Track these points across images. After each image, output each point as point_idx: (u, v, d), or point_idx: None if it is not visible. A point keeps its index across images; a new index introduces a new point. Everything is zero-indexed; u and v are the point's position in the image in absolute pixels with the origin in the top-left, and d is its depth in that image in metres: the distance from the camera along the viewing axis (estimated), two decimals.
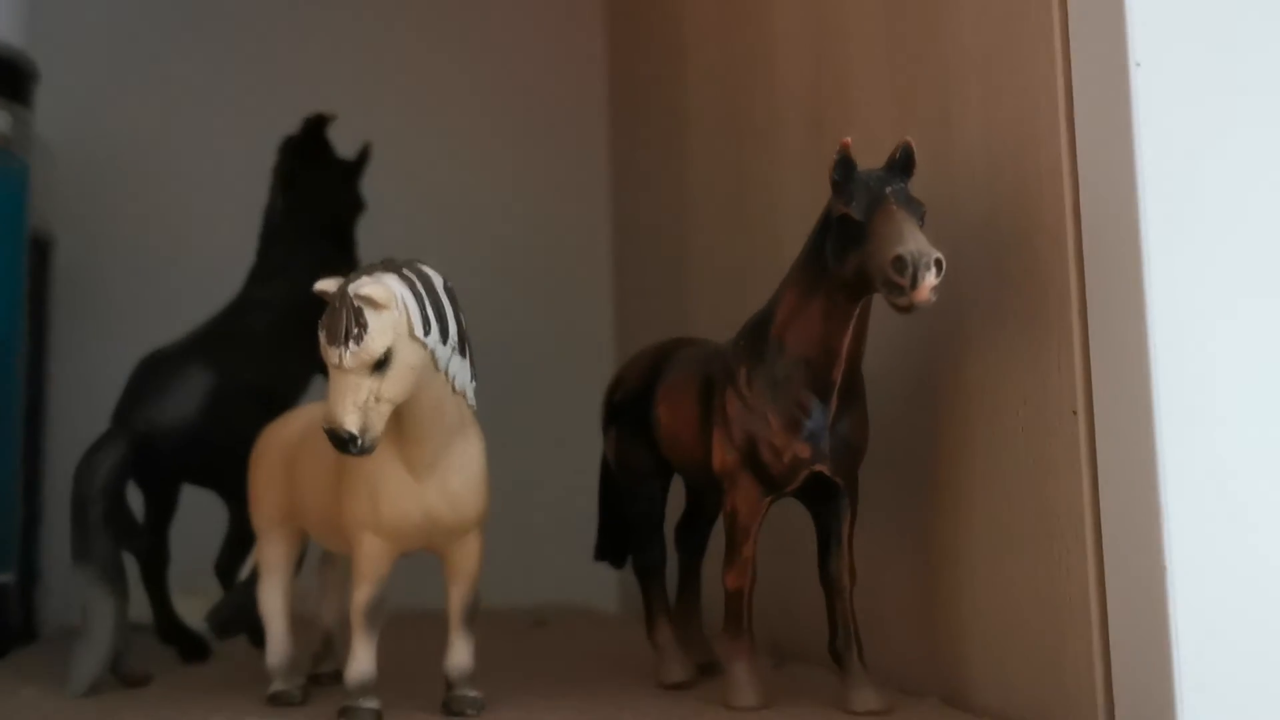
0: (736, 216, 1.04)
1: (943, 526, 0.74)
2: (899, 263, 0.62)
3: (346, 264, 1.00)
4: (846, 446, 0.70)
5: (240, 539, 0.90)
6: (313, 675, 0.82)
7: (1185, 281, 0.59)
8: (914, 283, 0.61)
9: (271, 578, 0.78)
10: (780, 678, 0.81)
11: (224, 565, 0.94)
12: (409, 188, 1.33)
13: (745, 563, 0.71)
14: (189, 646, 0.94)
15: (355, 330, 0.64)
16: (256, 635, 0.89)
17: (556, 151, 1.43)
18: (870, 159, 0.67)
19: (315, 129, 1.03)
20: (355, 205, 1.04)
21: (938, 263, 0.62)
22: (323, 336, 0.65)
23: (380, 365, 0.64)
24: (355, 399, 0.64)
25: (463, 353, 0.70)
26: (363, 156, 1.05)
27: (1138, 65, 0.59)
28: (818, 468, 0.69)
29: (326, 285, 0.67)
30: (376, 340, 0.64)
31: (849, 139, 0.67)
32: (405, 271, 0.68)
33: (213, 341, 0.94)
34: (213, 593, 0.93)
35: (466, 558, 0.72)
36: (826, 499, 0.71)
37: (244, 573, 0.84)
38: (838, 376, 0.68)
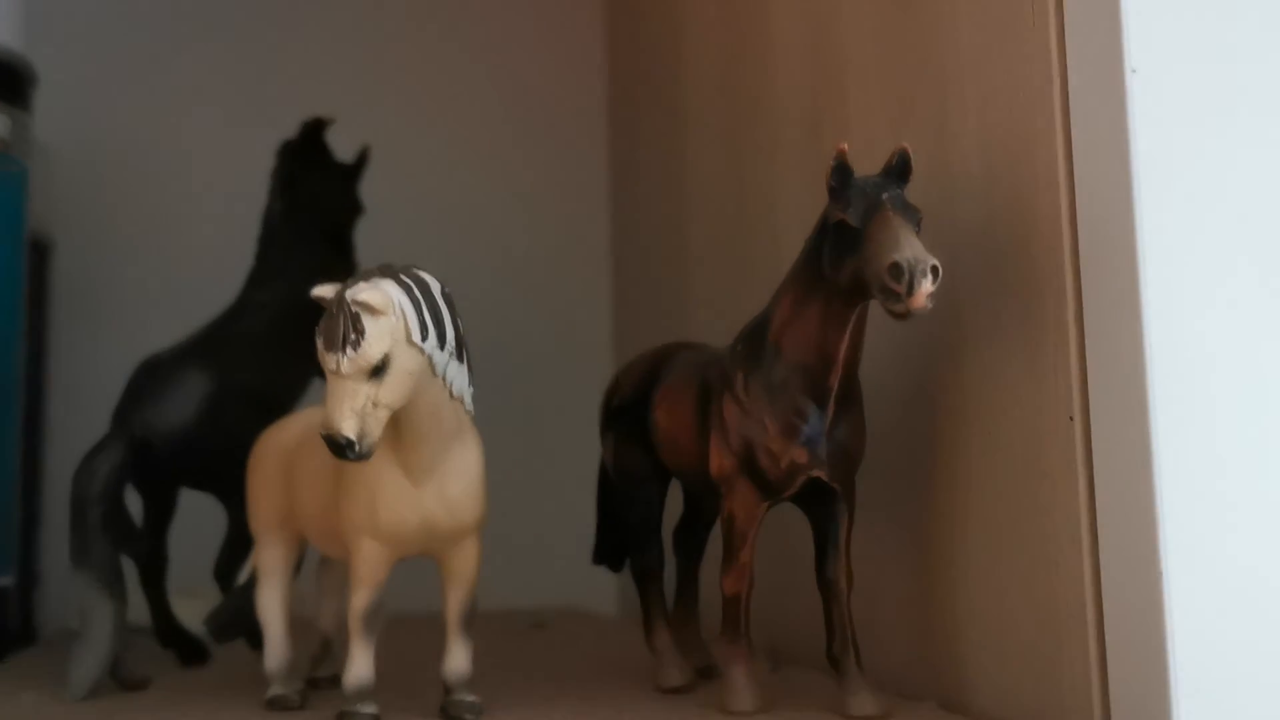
0: (736, 218, 1.04)
1: (940, 531, 0.74)
2: (895, 270, 0.62)
3: (345, 267, 1.00)
4: (844, 452, 0.70)
5: (239, 543, 0.90)
6: (311, 679, 0.82)
7: (1181, 287, 0.59)
8: (910, 290, 0.61)
9: (270, 581, 0.78)
10: (778, 682, 0.81)
11: (223, 569, 0.94)
12: (407, 189, 1.33)
13: (743, 568, 0.71)
14: (188, 650, 0.94)
15: (353, 336, 0.64)
16: (255, 639, 0.89)
17: (555, 153, 1.43)
18: (867, 165, 0.67)
19: (314, 133, 1.03)
20: (354, 208, 1.04)
21: (934, 269, 0.62)
22: (320, 342, 0.65)
23: (378, 371, 0.64)
24: (353, 405, 0.64)
25: (460, 358, 0.70)
26: (361, 160, 1.05)
27: (1133, 72, 0.60)
28: (815, 473, 0.69)
29: (324, 291, 0.67)
30: (374, 346, 0.64)
31: (845, 145, 0.67)
32: (403, 277, 0.68)
33: (211, 345, 0.95)
34: (211, 596, 0.94)
35: (464, 563, 0.72)
36: (823, 504, 0.71)
37: (242, 576, 0.84)
38: (835, 382, 0.68)
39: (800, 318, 0.69)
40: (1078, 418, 0.63)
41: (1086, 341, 0.62)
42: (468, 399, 0.71)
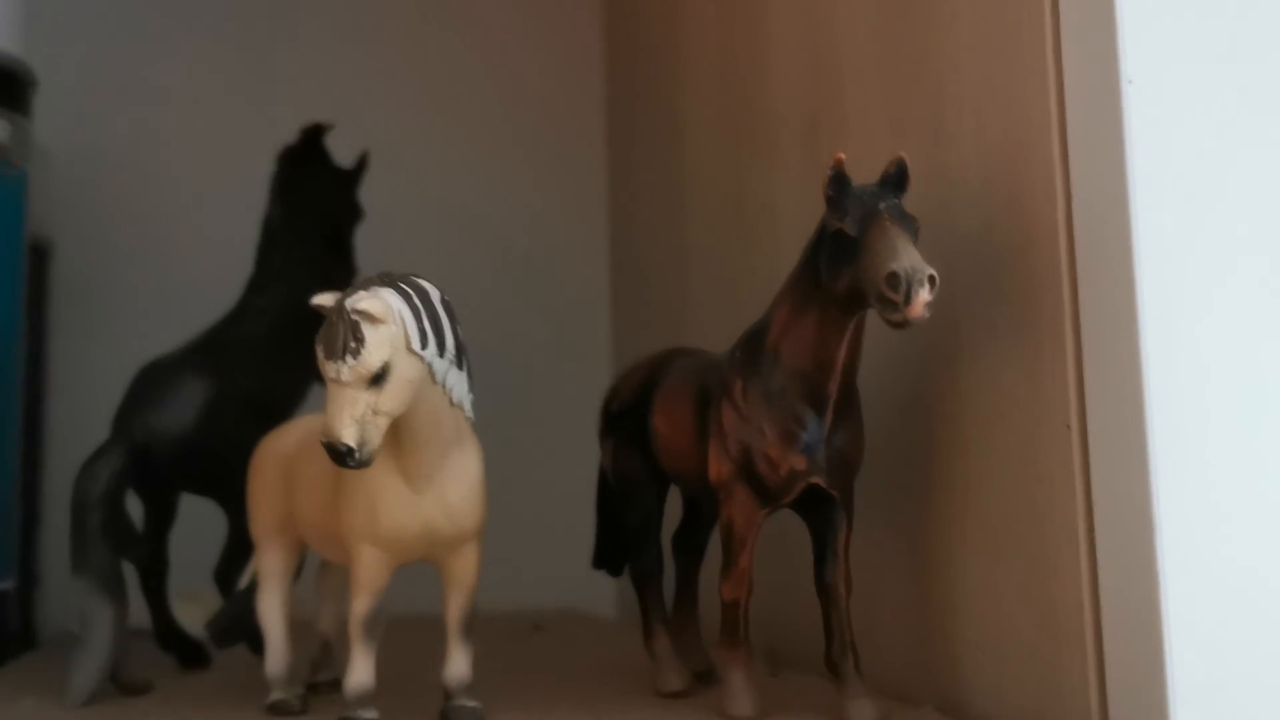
0: (734, 219, 1.04)
1: (938, 537, 0.75)
2: (893, 279, 0.62)
3: (345, 272, 1.00)
4: (842, 459, 0.70)
5: (239, 547, 0.90)
6: (311, 683, 0.82)
7: (1177, 295, 0.59)
8: (908, 299, 0.62)
9: (270, 586, 0.79)
10: (776, 686, 0.81)
11: (223, 573, 0.94)
12: (406, 190, 1.32)
13: (742, 574, 0.71)
14: (188, 654, 0.94)
15: (352, 344, 0.64)
16: (255, 643, 0.90)
17: (554, 155, 1.44)
18: (864, 169, 0.68)
19: (313, 138, 1.03)
20: (353, 213, 1.04)
21: (931, 279, 0.62)
22: (320, 351, 0.65)
23: (378, 379, 0.64)
24: (353, 412, 0.64)
25: (460, 365, 0.70)
26: (360, 165, 1.05)
27: (1130, 82, 0.60)
28: (813, 480, 0.69)
29: (324, 299, 0.67)
30: (374, 354, 0.64)
31: (843, 154, 0.67)
32: (402, 285, 0.68)
33: (211, 350, 0.95)
34: (212, 601, 0.94)
35: (464, 568, 0.73)
36: (822, 510, 0.71)
37: (243, 581, 0.84)
38: (833, 389, 0.69)
39: (798, 325, 0.69)
40: (1074, 423, 0.63)
41: (1083, 348, 0.63)
42: (467, 406, 0.71)
